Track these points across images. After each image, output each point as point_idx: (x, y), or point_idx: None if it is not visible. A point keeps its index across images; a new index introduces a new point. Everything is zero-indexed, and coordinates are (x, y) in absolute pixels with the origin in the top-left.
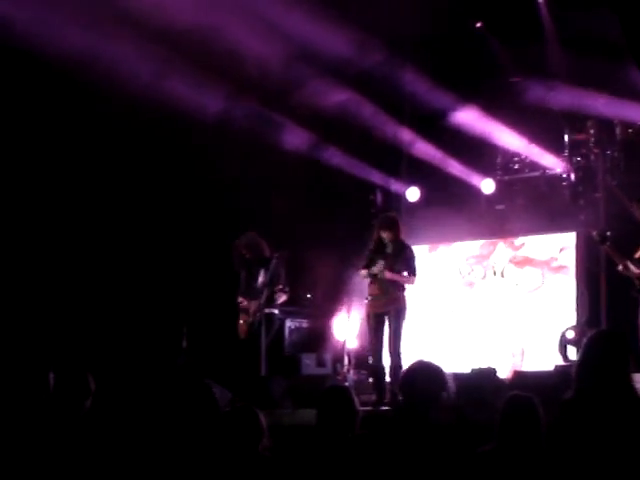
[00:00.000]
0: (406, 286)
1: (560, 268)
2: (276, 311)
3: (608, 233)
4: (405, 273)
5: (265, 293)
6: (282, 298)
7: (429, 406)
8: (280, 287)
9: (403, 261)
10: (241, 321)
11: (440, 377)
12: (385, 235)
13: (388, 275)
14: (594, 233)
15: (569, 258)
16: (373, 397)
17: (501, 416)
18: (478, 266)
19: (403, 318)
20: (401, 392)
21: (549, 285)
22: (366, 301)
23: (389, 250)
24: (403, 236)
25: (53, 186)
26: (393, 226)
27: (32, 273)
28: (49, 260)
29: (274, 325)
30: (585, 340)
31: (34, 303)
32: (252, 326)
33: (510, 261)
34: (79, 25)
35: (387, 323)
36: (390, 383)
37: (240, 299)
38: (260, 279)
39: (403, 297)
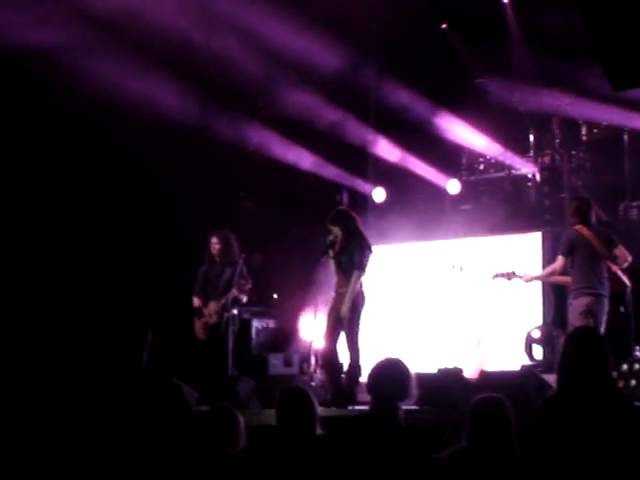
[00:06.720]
0: (362, 281)
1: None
2: (235, 311)
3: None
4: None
5: (231, 293)
6: (244, 299)
7: (398, 405)
8: (248, 286)
9: (347, 254)
10: (197, 322)
11: (408, 376)
12: (332, 229)
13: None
14: (498, 276)
15: (535, 258)
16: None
17: (470, 417)
18: (444, 264)
19: (357, 314)
20: (369, 391)
21: (515, 284)
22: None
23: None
24: (366, 233)
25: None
26: (338, 219)
27: None
28: None
29: (237, 325)
30: (565, 339)
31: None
32: (214, 327)
33: (476, 260)
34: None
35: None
36: (345, 381)
37: (195, 299)
38: (224, 278)
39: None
